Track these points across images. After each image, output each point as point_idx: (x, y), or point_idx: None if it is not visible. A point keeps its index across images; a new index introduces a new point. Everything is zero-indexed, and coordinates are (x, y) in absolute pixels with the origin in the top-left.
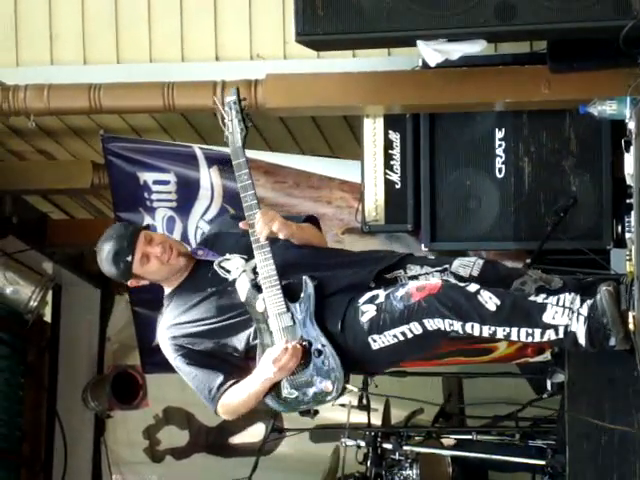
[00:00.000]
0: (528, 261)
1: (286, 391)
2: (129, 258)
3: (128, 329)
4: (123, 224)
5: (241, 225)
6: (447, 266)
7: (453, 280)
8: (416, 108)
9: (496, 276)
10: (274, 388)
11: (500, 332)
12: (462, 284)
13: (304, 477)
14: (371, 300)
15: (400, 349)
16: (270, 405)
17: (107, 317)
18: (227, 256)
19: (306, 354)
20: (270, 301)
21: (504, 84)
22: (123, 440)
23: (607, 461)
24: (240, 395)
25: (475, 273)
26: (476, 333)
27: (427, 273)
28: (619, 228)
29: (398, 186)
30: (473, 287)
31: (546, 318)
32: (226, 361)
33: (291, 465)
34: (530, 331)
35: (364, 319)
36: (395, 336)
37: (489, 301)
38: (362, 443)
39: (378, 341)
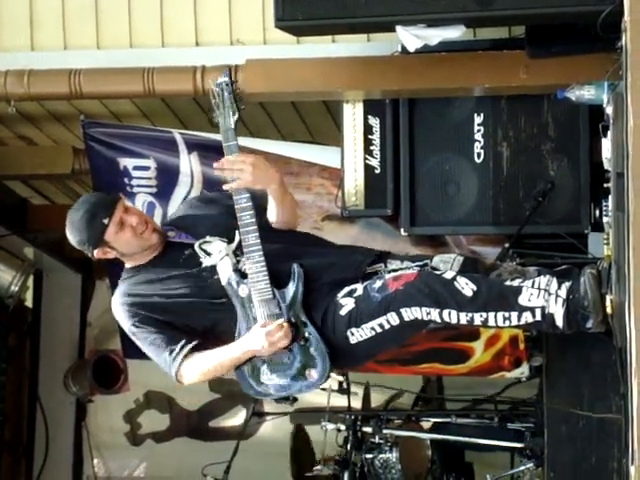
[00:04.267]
0: (507, 245)
1: (266, 377)
2: (105, 220)
3: (109, 314)
4: (101, 193)
5: (225, 187)
6: (427, 261)
7: None
8: (395, 93)
9: (474, 271)
10: (253, 369)
11: (477, 318)
12: (438, 272)
13: (285, 461)
14: (349, 294)
15: (377, 342)
16: (249, 391)
17: (88, 302)
18: (208, 238)
19: (291, 341)
20: (256, 287)
21: (483, 69)
22: (104, 424)
23: (585, 444)
24: (214, 359)
25: (455, 269)
26: (454, 320)
27: (407, 267)
28: (597, 212)
29: (378, 171)
30: (449, 274)
31: (522, 300)
32: (185, 332)
33: (272, 449)
34: (507, 315)
35: (343, 312)
36: (373, 329)
37: (465, 287)
38: (342, 427)
39: (356, 334)
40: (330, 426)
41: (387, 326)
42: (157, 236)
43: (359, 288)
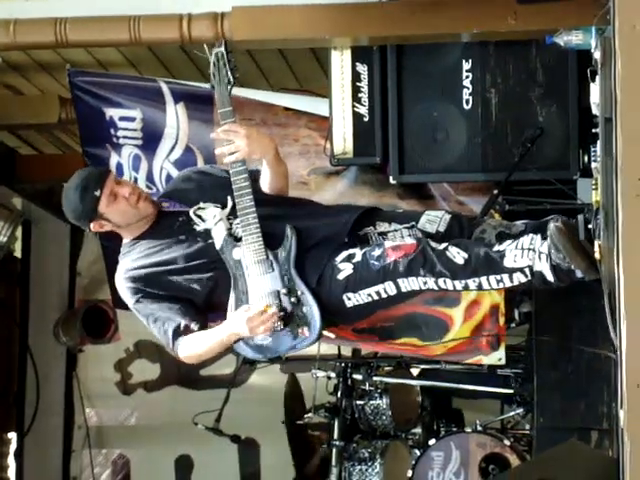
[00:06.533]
0: (496, 192)
1: (260, 337)
2: (97, 192)
3: (98, 264)
4: (91, 167)
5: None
6: (414, 223)
7: (420, 235)
8: (383, 40)
9: (460, 229)
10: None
11: (472, 284)
12: (433, 244)
13: (275, 408)
14: (348, 258)
15: (371, 307)
16: (241, 351)
17: (77, 252)
18: (201, 204)
19: (287, 318)
20: (249, 248)
21: (471, 14)
22: (95, 374)
23: (574, 389)
24: (204, 342)
25: (442, 228)
26: (450, 287)
27: (395, 230)
28: (585, 158)
29: (366, 119)
30: (442, 245)
31: (507, 263)
32: (187, 305)
33: (262, 397)
34: (499, 277)
35: (341, 277)
36: (369, 295)
37: (457, 255)
38: (332, 374)
39: (352, 299)
40: (320, 374)
41: (384, 294)
42: (150, 205)
43: (358, 254)
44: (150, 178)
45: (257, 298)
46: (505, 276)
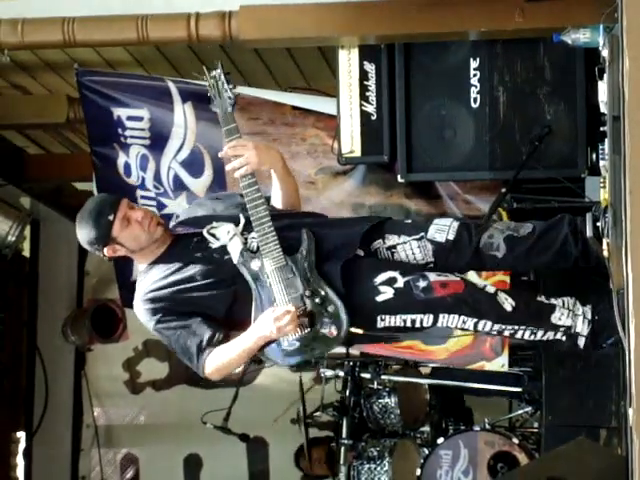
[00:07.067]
0: (504, 190)
1: (287, 342)
2: (111, 217)
3: (107, 263)
4: (104, 193)
5: (221, 154)
6: (423, 234)
7: (430, 246)
8: (390, 38)
9: (469, 236)
10: (269, 345)
11: (508, 330)
12: (481, 284)
13: (283, 407)
14: (389, 282)
15: (400, 331)
16: (272, 357)
17: (85, 251)
18: (214, 224)
19: (312, 317)
20: (268, 257)
21: (478, 13)
22: (104, 373)
23: (583, 387)
24: (230, 352)
25: (451, 237)
26: (486, 329)
27: (404, 242)
28: (593, 156)
29: (374, 117)
30: (491, 288)
31: (554, 319)
32: (208, 322)
33: (270, 395)
34: (535, 330)
35: (380, 299)
36: (405, 321)
37: (505, 302)
38: (341, 373)
39: (386, 320)
40: (329, 372)
41: (418, 324)
42: (162, 229)
43: (399, 280)
44: (157, 178)
45: (282, 304)
46: (541, 331)
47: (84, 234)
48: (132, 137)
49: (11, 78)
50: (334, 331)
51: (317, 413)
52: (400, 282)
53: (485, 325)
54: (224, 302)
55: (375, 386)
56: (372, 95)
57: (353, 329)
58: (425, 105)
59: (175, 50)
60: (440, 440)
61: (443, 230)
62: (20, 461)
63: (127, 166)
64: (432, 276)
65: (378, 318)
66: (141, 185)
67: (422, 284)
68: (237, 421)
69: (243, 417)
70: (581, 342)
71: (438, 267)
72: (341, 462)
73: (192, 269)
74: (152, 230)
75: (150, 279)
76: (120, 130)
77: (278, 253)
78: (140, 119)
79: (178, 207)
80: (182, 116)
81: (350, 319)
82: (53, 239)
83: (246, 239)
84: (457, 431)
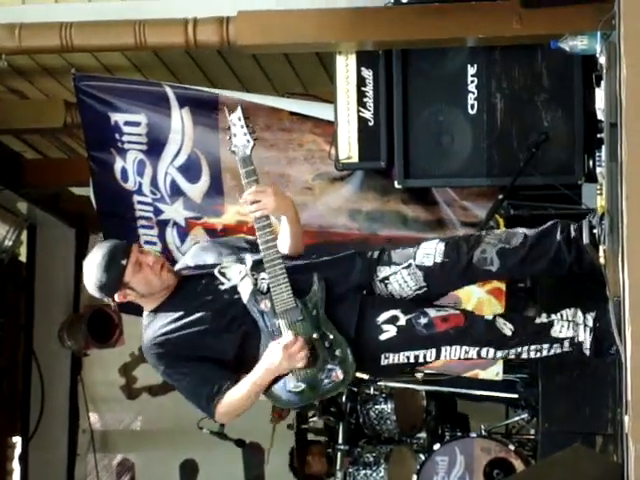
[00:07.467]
0: (501, 197)
1: (292, 384)
2: (124, 262)
3: None
4: (114, 239)
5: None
6: (411, 261)
7: (420, 272)
8: (388, 44)
9: (458, 255)
10: (277, 382)
11: (512, 352)
12: (479, 315)
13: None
14: (392, 321)
15: (404, 367)
16: (276, 399)
17: (83, 256)
18: (224, 264)
19: (315, 351)
20: (278, 298)
21: (476, 19)
22: (100, 378)
23: (580, 394)
24: (240, 392)
25: (439, 260)
26: (490, 356)
27: (395, 272)
28: (590, 163)
29: (371, 123)
30: (489, 316)
31: (554, 333)
32: (218, 368)
33: (267, 401)
34: (539, 347)
35: (383, 337)
36: (408, 357)
37: (504, 327)
38: None
39: (390, 358)
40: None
41: (421, 359)
42: (172, 275)
43: (401, 318)
44: (154, 183)
45: None
46: (545, 346)
47: (95, 279)
48: (129, 142)
49: (8, 83)
50: (340, 375)
51: (313, 418)
52: (402, 320)
53: (488, 352)
54: (233, 344)
55: (372, 392)
56: (369, 101)
57: (358, 374)
58: (423, 111)
59: (173, 55)
60: (436, 446)
61: (430, 254)
62: (16, 466)
63: (124, 171)
64: (432, 312)
65: (382, 356)
66: (138, 190)
67: (423, 321)
68: (233, 427)
69: (239, 423)
70: (587, 351)
71: (431, 290)
72: (337, 467)
73: (201, 312)
74: (163, 276)
75: (159, 323)
76: (117, 135)
77: (288, 295)
78: (137, 124)
79: (175, 212)
80: (179, 121)
81: (356, 363)
82: (50, 244)
83: (256, 280)
84: (453, 437)
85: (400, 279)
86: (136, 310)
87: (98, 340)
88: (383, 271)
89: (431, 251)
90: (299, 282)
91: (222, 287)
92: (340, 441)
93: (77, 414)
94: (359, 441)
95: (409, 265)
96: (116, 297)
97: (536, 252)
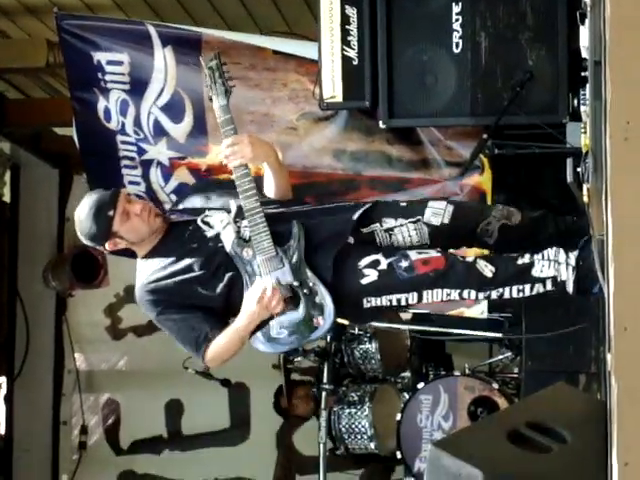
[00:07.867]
0: (485, 136)
1: (275, 331)
2: (111, 212)
3: None
4: (101, 189)
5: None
6: (420, 217)
7: (426, 229)
8: None
9: (465, 220)
10: (261, 329)
11: (494, 293)
12: (460, 256)
13: (267, 360)
14: (373, 265)
15: (386, 310)
16: (259, 347)
17: (66, 197)
18: (207, 212)
19: (295, 296)
20: (258, 247)
21: None
22: (85, 319)
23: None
24: (225, 340)
25: (446, 220)
26: (472, 297)
27: (401, 225)
28: (575, 101)
29: (355, 62)
30: (470, 258)
31: (535, 272)
32: (209, 313)
33: None
34: (521, 287)
35: (364, 282)
36: (390, 300)
37: (485, 269)
38: None
39: (372, 302)
40: None
41: (403, 302)
42: (160, 219)
43: (383, 262)
44: (137, 123)
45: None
46: (527, 286)
47: (85, 230)
48: (112, 82)
49: None
50: (321, 321)
51: (298, 358)
52: (384, 264)
53: (470, 293)
54: (221, 291)
55: (356, 332)
56: (354, 40)
57: (339, 320)
58: (407, 50)
59: None
60: (420, 385)
61: (439, 214)
62: (1, 406)
63: (107, 111)
64: (413, 255)
65: (364, 300)
66: (121, 130)
67: (404, 264)
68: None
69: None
70: (570, 289)
71: (431, 247)
72: (322, 407)
73: (189, 260)
74: (151, 222)
75: (149, 269)
76: (100, 75)
77: (269, 244)
78: (120, 63)
79: (158, 153)
80: (162, 60)
81: (337, 309)
82: (33, 184)
83: (239, 227)
84: (437, 376)
85: (405, 232)
86: (131, 253)
87: (83, 281)
88: (389, 222)
89: (440, 211)
90: (280, 230)
91: (207, 234)
92: (325, 380)
93: (62, 354)
94: (344, 380)
95: (417, 220)
96: (107, 246)
97: (532, 235)
